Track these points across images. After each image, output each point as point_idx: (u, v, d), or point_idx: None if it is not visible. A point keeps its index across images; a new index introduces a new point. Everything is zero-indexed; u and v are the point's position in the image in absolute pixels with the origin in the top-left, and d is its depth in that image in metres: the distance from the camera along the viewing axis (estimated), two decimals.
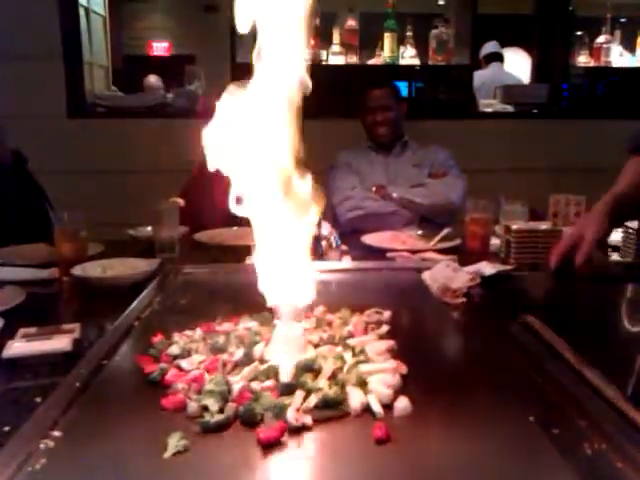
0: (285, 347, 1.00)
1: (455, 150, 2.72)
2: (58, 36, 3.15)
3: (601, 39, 3.74)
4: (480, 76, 4.31)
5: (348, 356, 1.03)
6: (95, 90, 3.43)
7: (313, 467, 0.76)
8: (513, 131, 3.38)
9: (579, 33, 3.79)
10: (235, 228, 2.19)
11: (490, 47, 4.62)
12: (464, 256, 1.83)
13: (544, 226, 1.84)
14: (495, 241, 1.99)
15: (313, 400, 0.88)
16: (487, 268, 1.72)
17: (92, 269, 1.58)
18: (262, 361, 1.00)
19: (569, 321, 1.35)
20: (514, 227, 1.82)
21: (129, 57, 5.28)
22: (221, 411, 0.86)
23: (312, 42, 3.50)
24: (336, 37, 3.50)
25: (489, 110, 3.53)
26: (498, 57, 4.62)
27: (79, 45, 3.19)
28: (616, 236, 1.91)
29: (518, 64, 4.69)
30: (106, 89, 3.69)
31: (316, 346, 1.08)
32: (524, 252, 1.81)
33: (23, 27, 3.12)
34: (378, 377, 0.96)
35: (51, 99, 3.20)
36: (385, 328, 1.21)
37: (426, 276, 1.59)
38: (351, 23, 3.50)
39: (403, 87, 3.47)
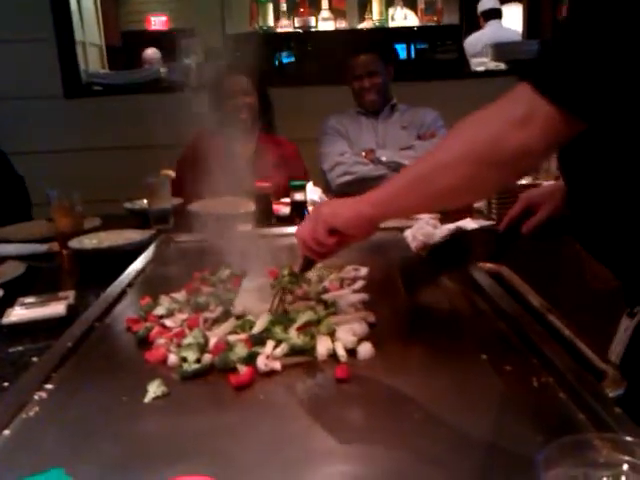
0: (252, 297, 1.08)
1: (447, 111, 2.73)
2: (49, 17, 3.18)
3: None
4: (479, 39, 4.22)
5: (320, 309, 1.10)
6: (90, 69, 3.47)
7: (277, 404, 0.84)
8: (505, 89, 3.37)
9: None
10: (227, 197, 2.25)
11: (488, 3, 4.46)
12: (449, 213, 1.87)
13: (524, 181, 1.89)
14: None
15: (283, 348, 0.96)
16: (469, 224, 1.77)
17: (88, 241, 1.66)
18: (239, 317, 1.07)
19: (540, 272, 1.41)
20: None
21: (128, 33, 5.27)
22: (198, 361, 0.94)
23: (301, 9, 3.51)
24: (325, 3, 3.50)
25: (481, 69, 3.53)
26: (497, 13, 4.46)
27: (70, 25, 3.22)
28: None
29: (518, 20, 4.57)
30: (101, 68, 3.73)
31: (292, 303, 1.15)
32: (506, 207, 1.85)
33: (13, 9, 3.15)
34: (346, 326, 1.03)
35: (47, 80, 3.24)
36: (360, 283, 1.28)
37: (407, 234, 1.65)
38: None
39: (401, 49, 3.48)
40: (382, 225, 1.79)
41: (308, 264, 1.12)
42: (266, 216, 1.85)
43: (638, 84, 0.76)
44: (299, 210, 1.84)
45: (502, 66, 3.52)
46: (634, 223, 0.91)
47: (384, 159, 2.47)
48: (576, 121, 0.78)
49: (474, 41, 4.28)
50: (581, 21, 0.80)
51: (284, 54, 3.47)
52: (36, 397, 0.87)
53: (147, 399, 0.85)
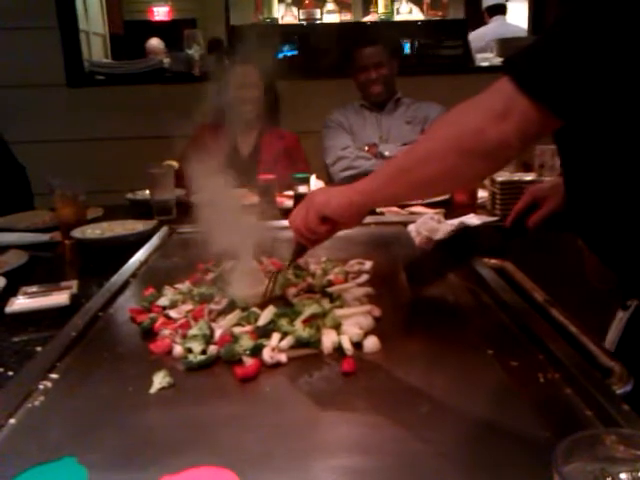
0: (243, 280, 1.09)
1: (451, 105, 2.71)
2: (53, 5, 3.16)
3: None
4: (483, 35, 4.19)
5: (325, 302, 1.09)
6: (93, 58, 3.46)
7: (282, 396, 0.84)
8: None
9: None
10: (231, 189, 2.24)
11: None
12: (453, 209, 1.88)
13: (529, 177, 1.88)
14: (484, 194, 2.04)
15: (289, 341, 0.95)
16: (473, 220, 1.77)
17: (91, 231, 1.66)
18: (244, 309, 1.07)
19: (542, 267, 1.40)
20: (499, 179, 1.86)
21: (130, 23, 5.26)
22: (204, 353, 0.94)
23: (306, 1, 3.49)
24: None
25: (485, 64, 3.52)
26: (501, 9, 4.42)
27: (74, 14, 3.20)
28: None
29: (523, 16, 4.54)
30: (104, 57, 3.71)
31: (296, 295, 1.15)
32: (510, 203, 1.85)
33: None
34: (352, 320, 1.03)
35: (50, 69, 3.23)
36: (365, 277, 1.28)
37: (411, 228, 1.64)
38: None
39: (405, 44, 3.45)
40: (386, 220, 1.82)
41: (300, 250, 1.16)
42: (270, 208, 1.85)
43: (618, 85, 0.78)
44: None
45: None
46: (629, 217, 0.92)
47: (387, 154, 2.47)
48: (551, 117, 0.81)
49: (478, 37, 4.26)
50: (564, 22, 0.82)
51: (288, 46, 3.45)
52: (41, 386, 0.87)
53: (153, 390, 0.85)
